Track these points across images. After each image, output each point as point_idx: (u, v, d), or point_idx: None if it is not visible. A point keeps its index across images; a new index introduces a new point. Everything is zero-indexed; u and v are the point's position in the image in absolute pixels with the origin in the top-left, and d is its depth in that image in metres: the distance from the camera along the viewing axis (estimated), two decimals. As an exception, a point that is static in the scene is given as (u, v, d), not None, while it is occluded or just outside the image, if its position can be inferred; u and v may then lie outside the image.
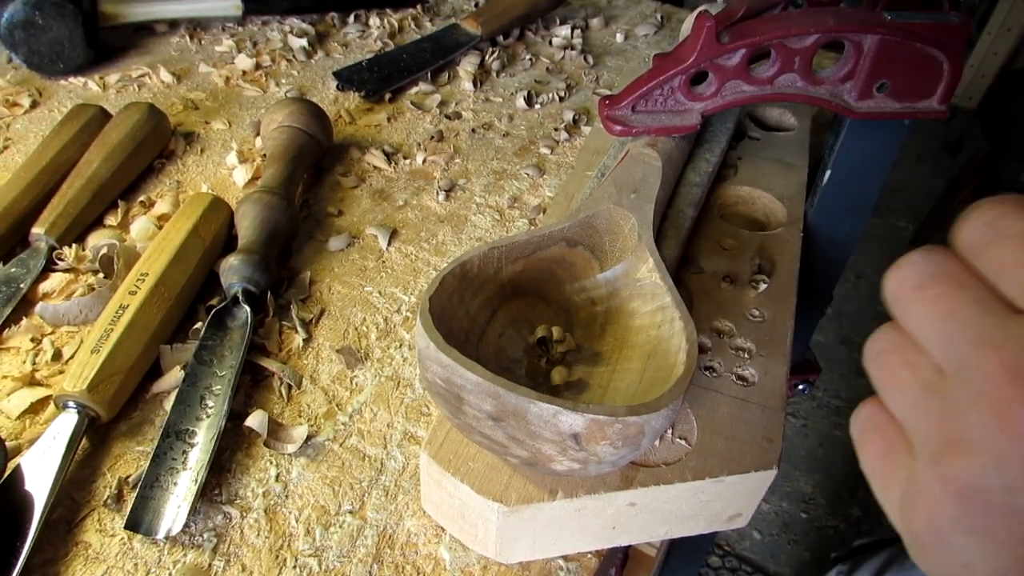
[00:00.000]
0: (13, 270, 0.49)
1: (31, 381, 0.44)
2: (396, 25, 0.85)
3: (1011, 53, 2.27)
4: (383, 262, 0.55)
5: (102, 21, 0.73)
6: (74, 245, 0.52)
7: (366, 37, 0.83)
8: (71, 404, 0.40)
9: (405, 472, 0.41)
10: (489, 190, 0.62)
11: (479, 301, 0.38)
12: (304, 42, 0.79)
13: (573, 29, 0.86)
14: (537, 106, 0.74)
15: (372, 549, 0.38)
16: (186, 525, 0.37)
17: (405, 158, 0.65)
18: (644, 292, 0.39)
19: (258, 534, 0.38)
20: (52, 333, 0.47)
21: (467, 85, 0.75)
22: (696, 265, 0.53)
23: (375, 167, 0.64)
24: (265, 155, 0.61)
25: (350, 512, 0.39)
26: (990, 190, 2.10)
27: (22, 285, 0.49)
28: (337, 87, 0.74)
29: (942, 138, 2.48)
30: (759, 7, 0.51)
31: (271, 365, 0.46)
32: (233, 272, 0.47)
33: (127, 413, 0.43)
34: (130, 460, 0.41)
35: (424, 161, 0.65)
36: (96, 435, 0.42)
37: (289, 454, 0.41)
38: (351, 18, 0.86)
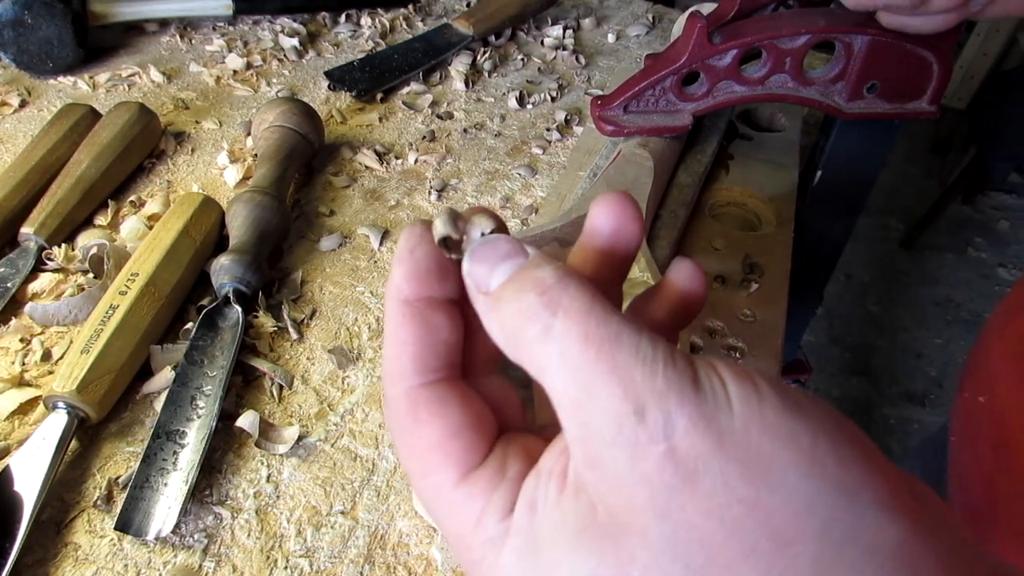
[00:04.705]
0: (2, 270, 0.49)
1: (20, 381, 0.44)
2: (388, 25, 0.85)
3: (1000, 54, 2.29)
4: (375, 262, 0.55)
5: (92, 20, 0.73)
6: (64, 245, 0.51)
7: (357, 37, 0.83)
8: (61, 404, 0.40)
9: (397, 473, 0.41)
10: (481, 190, 0.62)
11: (471, 301, 0.37)
12: (295, 42, 0.79)
13: (565, 29, 0.86)
14: (529, 106, 0.74)
15: (363, 550, 0.38)
16: (176, 526, 0.37)
17: (397, 158, 0.65)
18: (636, 292, 0.39)
19: (249, 535, 0.38)
20: (41, 333, 0.47)
21: (459, 85, 0.75)
22: (688, 265, 0.53)
23: (367, 167, 0.64)
24: (256, 155, 0.61)
25: (341, 513, 0.39)
26: (980, 190, 2.12)
27: (11, 285, 0.48)
28: (328, 87, 0.74)
29: (932, 139, 2.50)
30: (750, 7, 0.51)
31: (262, 365, 0.46)
32: (224, 272, 0.47)
33: (117, 414, 0.43)
34: (120, 461, 0.40)
35: (416, 161, 0.65)
36: (86, 436, 0.41)
37: (280, 455, 0.41)
38: (342, 18, 0.86)
